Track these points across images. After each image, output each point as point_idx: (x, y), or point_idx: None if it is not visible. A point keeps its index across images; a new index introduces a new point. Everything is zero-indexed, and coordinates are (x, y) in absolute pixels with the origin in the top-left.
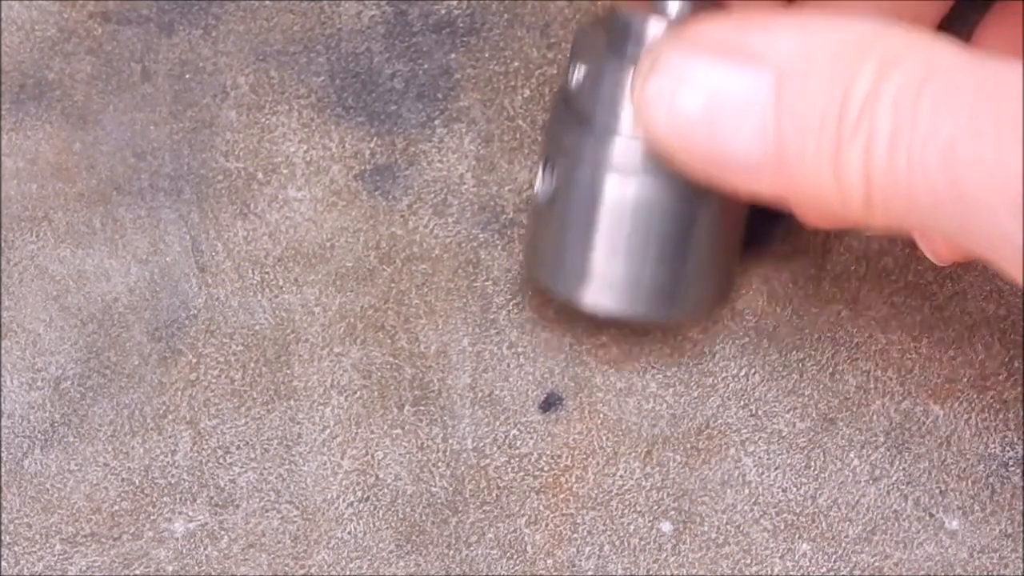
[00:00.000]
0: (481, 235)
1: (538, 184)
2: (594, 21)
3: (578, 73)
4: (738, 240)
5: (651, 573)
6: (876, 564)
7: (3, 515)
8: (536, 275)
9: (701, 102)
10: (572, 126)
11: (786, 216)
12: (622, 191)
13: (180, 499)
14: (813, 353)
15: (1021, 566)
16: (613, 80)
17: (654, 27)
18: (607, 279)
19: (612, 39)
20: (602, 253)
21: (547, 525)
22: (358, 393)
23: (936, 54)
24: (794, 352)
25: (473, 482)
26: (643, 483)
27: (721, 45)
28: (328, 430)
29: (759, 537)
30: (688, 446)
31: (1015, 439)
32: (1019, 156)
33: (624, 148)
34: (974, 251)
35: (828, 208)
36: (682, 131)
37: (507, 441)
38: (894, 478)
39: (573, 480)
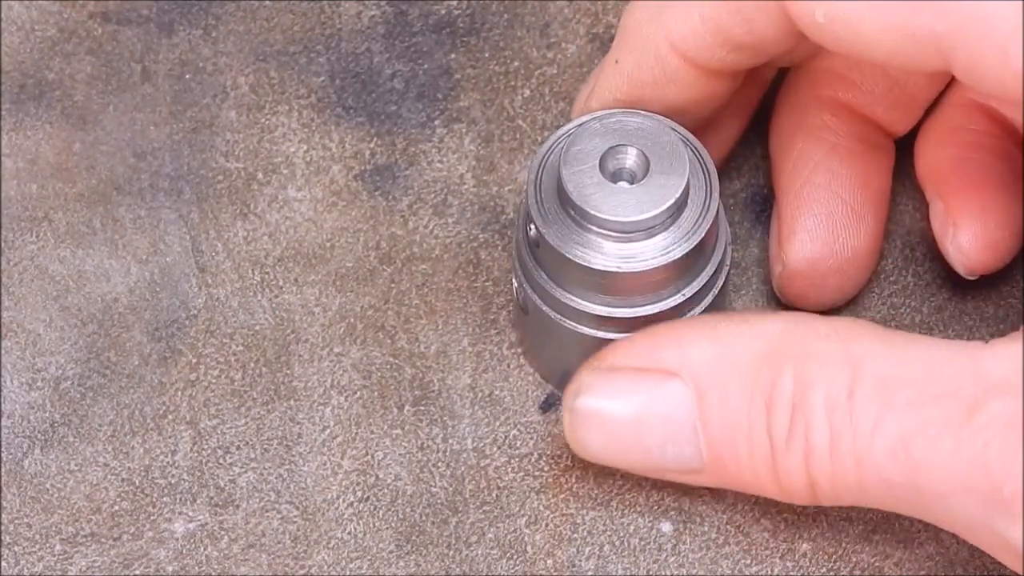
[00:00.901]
0: (481, 235)
1: (515, 286)
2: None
3: (532, 228)
4: None
5: (651, 573)
6: (877, 564)
7: (3, 515)
8: (527, 359)
9: (629, 423)
10: (533, 265)
11: None
12: (579, 334)
13: (180, 499)
14: None
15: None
16: (559, 251)
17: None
18: None
19: (561, 199)
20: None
21: (547, 525)
22: (358, 393)
23: (856, 350)
24: None
25: (473, 482)
26: (643, 483)
27: (637, 365)
28: (328, 430)
29: (759, 537)
30: None
31: None
32: (976, 443)
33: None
34: (944, 528)
35: (775, 498)
36: (617, 450)
37: (507, 441)
38: None
39: (573, 480)
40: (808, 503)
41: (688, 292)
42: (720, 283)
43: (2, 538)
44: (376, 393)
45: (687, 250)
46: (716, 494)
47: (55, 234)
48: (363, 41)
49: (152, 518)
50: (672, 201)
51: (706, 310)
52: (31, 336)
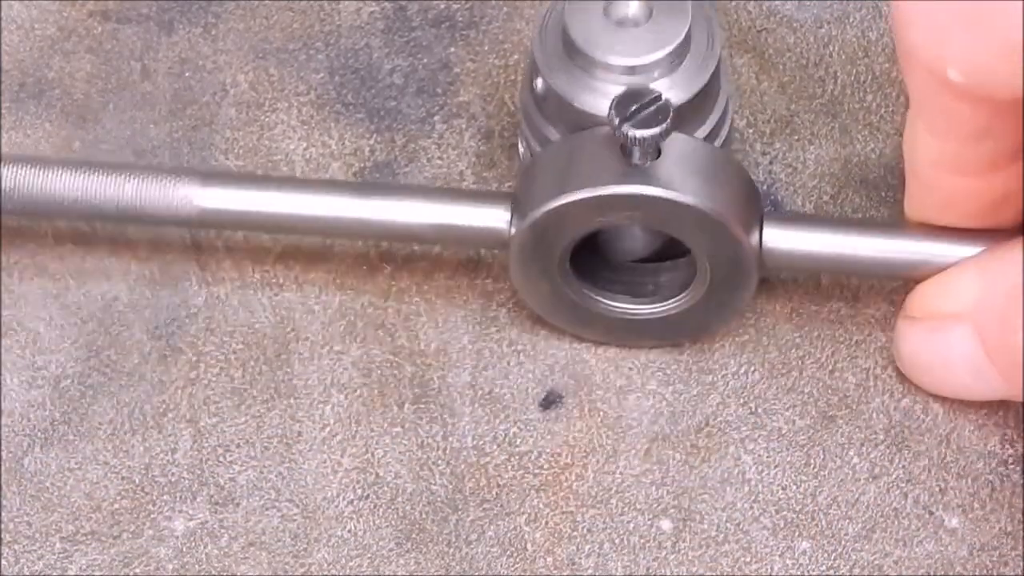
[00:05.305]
0: None
1: (522, 151)
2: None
3: (538, 82)
4: None
5: (651, 571)
6: (876, 562)
7: (3, 513)
8: None
9: (937, 367)
10: (542, 121)
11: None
12: None
13: (180, 497)
14: (812, 351)
15: (1021, 564)
16: (567, 102)
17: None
18: None
19: (567, 49)
20: None
21: (547, 523)
22: (358, 391)
23: None
24: (794, 350)
25: (473, 480)
26: (643, 481)
27: (927, 314)
28: (328, 428)
29: (759, 535)
30: (688, 444)
31: (1015, 437)
32: None
33: None
34: None
35: None
36: (941, 388)
37: (507, 439)
38: (894, 476)
39: (573, 478)
40: None
41: (698, 136)
42: (726, 128)
43: (2, 536)
44: (376, 391)
45: (695, 91)
46: (715, 492)
47: (55, 232)
48: (362, 37)
49: (152, 516)
50: (677, 42)
51: None
52: (31, 334)
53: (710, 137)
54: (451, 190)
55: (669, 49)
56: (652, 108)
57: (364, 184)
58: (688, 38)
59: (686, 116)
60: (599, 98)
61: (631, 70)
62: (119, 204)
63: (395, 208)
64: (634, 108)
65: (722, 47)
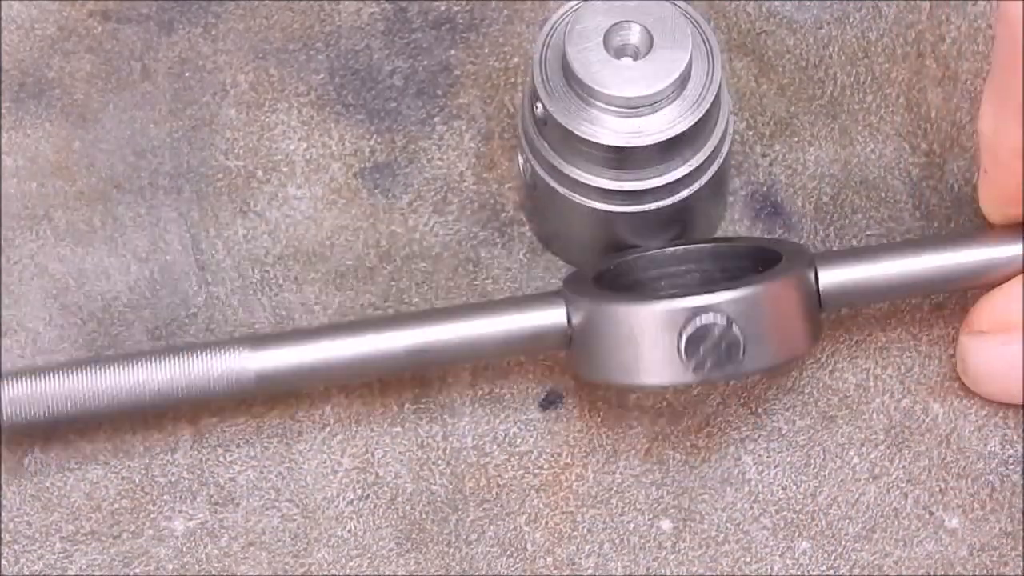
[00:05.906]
0: (481, 233)
1: (521, 162)
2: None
3: (538, 106)
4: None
5: (651, 571)
6: (876, 562)
7: (3, 513)
8: (534, 232)
9: (998, 376)
10: (540, 142)
11: (785, 214)
12: (587, 207)
13: (180, 497)
14: (812, 351)
15: (1021, 564)
16: (566, 128)
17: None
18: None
19: (567, 77)
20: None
21: (547, 523)
22: (358, 391)
23: None
24: None
25: (473, 480)
26: (643, 481)
27: (996, 327)
28: (328, 428)
29: (759, 535)
30: (688, 444)
31: (1015, 437)
32: None
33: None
34: None
35: None
36: (991, 390)
37: (507, 439)
38: (894, 476)
39: (573, 478)
40: None
41: (695, 163)
42: (724, 151)
43: (2, 536)
44: (376, 391)
45: (692, 122)
46: (715, 492)
47: (55, 232)
48: (362, 38)
49: (152, 516)
50: (677, 75)
51: (711, 179)
52: (31, 334)
53: (713, 155)
54: (500, 302)
55: (671, 80)
56: (723, 347)
57: (414, 315)
58: (690, 65)
59: (691, 138)
60: (600, 128)
61: (633, 101)
62: (188, 389)
63: (453, 330)
64: (705, 350)
65: (722, 70)
